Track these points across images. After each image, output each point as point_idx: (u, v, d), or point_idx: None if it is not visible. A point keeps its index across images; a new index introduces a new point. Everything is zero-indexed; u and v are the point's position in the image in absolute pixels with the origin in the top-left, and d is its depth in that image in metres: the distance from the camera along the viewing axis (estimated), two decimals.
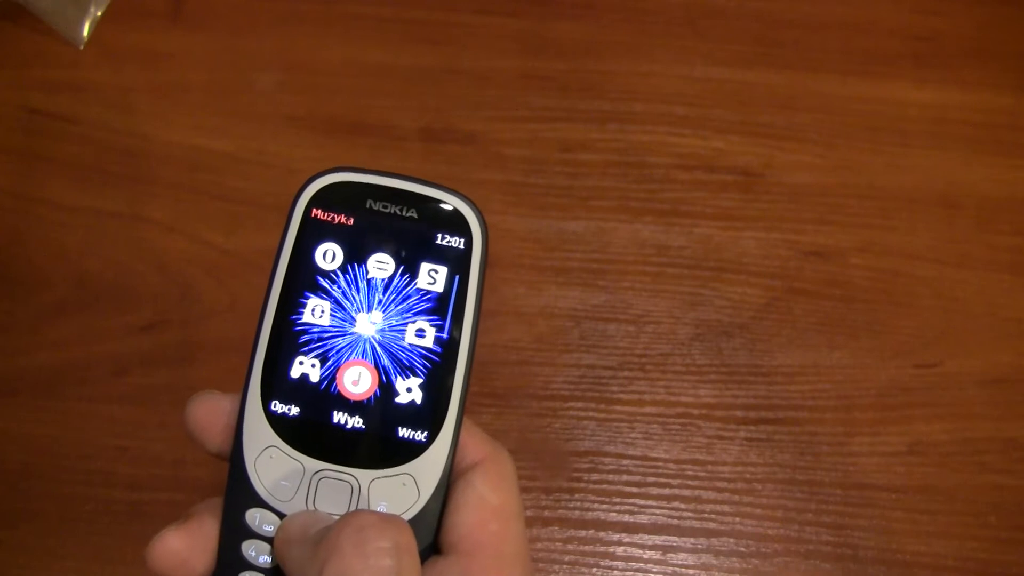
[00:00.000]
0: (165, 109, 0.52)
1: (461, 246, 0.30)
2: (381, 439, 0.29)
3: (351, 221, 0.29)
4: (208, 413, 0.29)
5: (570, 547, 0.45)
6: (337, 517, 0.27)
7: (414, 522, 0.28)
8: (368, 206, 0.30)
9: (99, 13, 0.53)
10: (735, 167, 0.52)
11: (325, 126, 0.52)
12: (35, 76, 0.53)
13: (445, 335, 0.29)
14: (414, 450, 0.28)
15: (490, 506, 0.28)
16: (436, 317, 0.29)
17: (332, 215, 0.30)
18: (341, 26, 0.55)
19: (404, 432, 0.29)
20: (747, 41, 0.55)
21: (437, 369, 0.29)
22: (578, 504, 0.46)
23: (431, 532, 0.28)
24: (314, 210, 0.29)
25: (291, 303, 0.29)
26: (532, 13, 0.55)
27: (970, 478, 0.47)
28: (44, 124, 0.52)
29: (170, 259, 0.49)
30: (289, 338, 0.29)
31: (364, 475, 0.28)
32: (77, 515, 0.45)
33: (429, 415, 0.29)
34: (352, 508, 0.28)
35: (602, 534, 0.46)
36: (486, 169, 0.52)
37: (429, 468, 0.28)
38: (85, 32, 0.53)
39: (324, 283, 0.29)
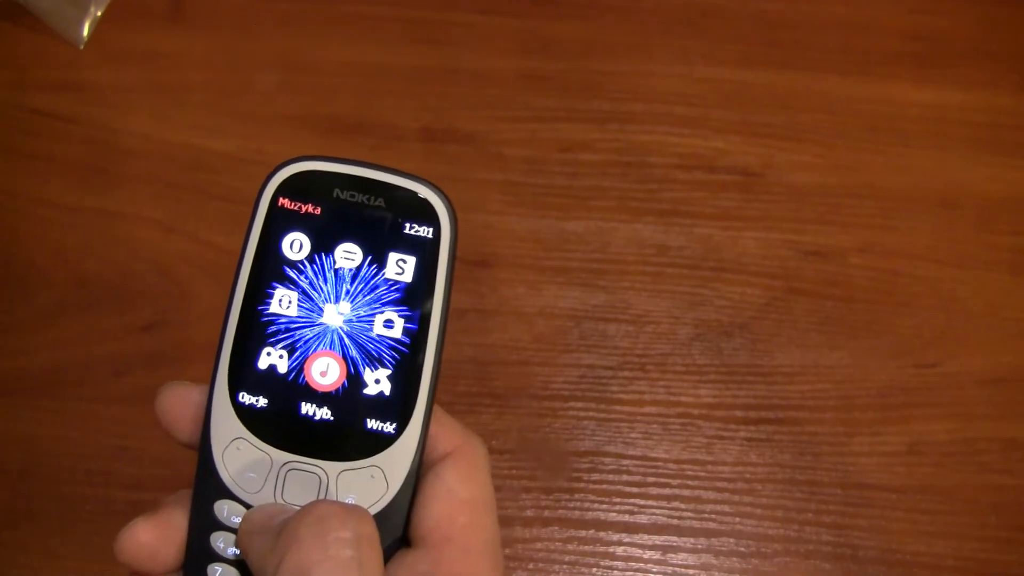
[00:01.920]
0: (165, 109, 0.52)
1: (430, 235, 0.29)
2: (349, 431, 0.28)
3: (318, 210, 0.29)
4: (177, 404, 0.29)
5: (570, 547, 0.45)
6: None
7: (383, 515, 0.28)
8: (335, 195, 0.29)
9: (99, 13, 0.53)
10: (735, 167, 0.52)
11: (325, 126, 0.52)
12: (35, 76, 0.53)
13: (414, 326, 0.29)
14: (382, 442, 0.28)
15: (459, 499, 0.28)
16: (404, 308, 0.29)
17: (299, 204, 0.29)
18: (341, 26, 0.55)
19: (372, 424, 0.28)
20: (747, 41, 0.55)
21: (406, 360, 0.29)
22: (578, 504, 0.46)
23: (400, 525, 0.28)
24: (280, 199, 0.29)
25: (258, 293, 0.29)
26: (532, 13, 0.55)
27: (970, 478, 0.47)
28: (44, 124, 0.52)
29: (170, 259, 0.49)
30: (256, 329, 0.29)
31: (332, 467, 0.28)
32: (77, 515, 0.45)
33: (398, 407, 0.28)
34: None
35: (602, 534, 0.46)
36: (486, 169, 0.52)
37: (398, 460, 0.28)
38: (85, 32, 0.53)
39: (291, 273, 0.29)
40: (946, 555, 0.46)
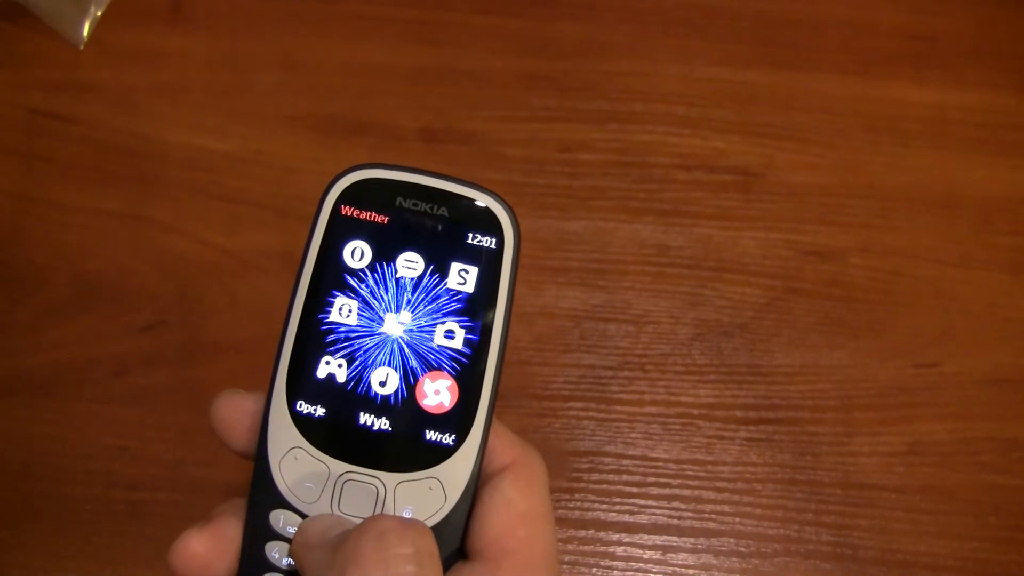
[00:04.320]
0: (165, 109, 0.52)
1: (493, 246, 0.29)
2: (408, 442, 0.28)
3: (380, 219, 0.29)
4: (233, 413, 0.29)
5: (570, 547, 0.45)
6: (358, 521, 0.27)
7: (440, 527, 0.28)
8: (398, 204, 0.29)
9: (99, 13, 0.53)
10: (735, 167, 0.52)
11: (325, 126, 0.52)
12: (35, 76, 0.53)
13: (475, 337, 0.28)
14: (441, 454, 0.28)
15: (517, 511, 0.28)
16: (466, 318, 0.29)
17: (361, 212, 0.29)
18: (341, 26, 0.55)
19: (431, 435, 0.28)
20: (747, 41, 0.55)
21: (466, 372, 0.28)
22: (578, 504, 0.46)
23: (457, 537, 0.28)
24: (343, 207, 0.29)
25: (318, 302, 0.28)
26: (532, 13, 0.55)
27: (970, 478, 0.47)
28: (44, 124, 0.52)
29: (170, 259, 0.49)
30: (316, 338, 0.28)
31: (390, 478, 0.28)
32: (77, 515, 0.45)
33: (457, 419, 0.28)
34: (377, 511, 0.28)
35: (602, 534, 0.46)
36: (486, 169, 0.52)
37: (456, 472, 0.28)
38: (85, 32, 0.53)
39: (352, 282, 0.29)
40: (946, 555, 0.46)
